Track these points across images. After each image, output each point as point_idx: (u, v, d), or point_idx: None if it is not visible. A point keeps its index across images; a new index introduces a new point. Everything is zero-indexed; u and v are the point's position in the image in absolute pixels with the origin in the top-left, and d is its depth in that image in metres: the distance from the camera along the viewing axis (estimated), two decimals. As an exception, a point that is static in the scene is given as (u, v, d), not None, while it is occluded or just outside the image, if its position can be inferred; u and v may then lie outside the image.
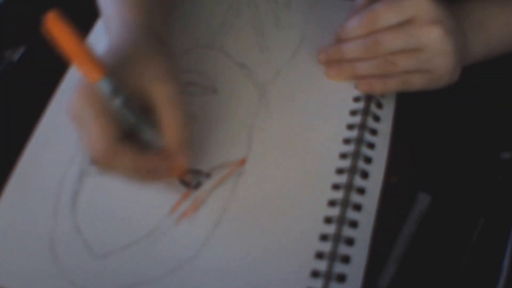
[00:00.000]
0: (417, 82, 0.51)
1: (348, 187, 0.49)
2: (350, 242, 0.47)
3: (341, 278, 0.46)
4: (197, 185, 0.51)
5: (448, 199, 0.51)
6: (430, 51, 0.49)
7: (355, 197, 0.49)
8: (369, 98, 0.54)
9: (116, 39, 0.49)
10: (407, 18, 0.49)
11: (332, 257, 0.47)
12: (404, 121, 0.54)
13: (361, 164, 0.51)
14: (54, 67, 0.56)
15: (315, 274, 0.46)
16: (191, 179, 0.52)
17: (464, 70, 0.52)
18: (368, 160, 0.51)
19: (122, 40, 0.49)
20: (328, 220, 0.48)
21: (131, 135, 0.46)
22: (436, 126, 0.54)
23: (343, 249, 0.47)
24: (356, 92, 0.54)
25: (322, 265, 0.46)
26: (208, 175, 0.52)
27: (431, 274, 0.48)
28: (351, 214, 0.48)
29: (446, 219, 0.50)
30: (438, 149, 0.53)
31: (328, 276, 0.46)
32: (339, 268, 0.46)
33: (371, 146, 0.52)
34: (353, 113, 0.53)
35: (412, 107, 0.54)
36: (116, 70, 0.45)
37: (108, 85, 0.43)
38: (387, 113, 0.54)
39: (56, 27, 0.41)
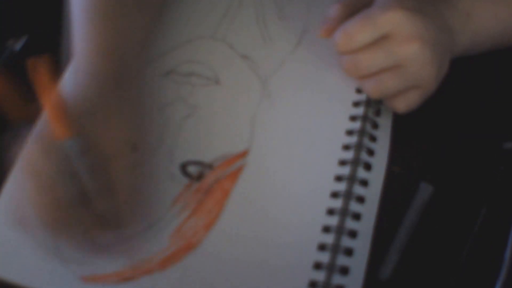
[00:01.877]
0: (415, 99, 0.49)
1: (351, 179, 0.48)
2: (353, 234, 0.46)
3: (344, 270, 0.44)
4: (199, 177, 0.50)
5: (450, 189, 0.50)
6: (411, 67, 0.46)
7: (358, 189, 0.48)
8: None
9: (81, 90, 0.47)
10: (382, 34, 0.46)
11: (335, 249, 0.45)
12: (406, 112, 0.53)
13: (364, 156, 0.49)
14: (56, 56, 0.54)
15: (317, 266, 0.45)
16: (193, 170, 0.50)
17: (467, 61, 0.51)
18: (370, 152, 0.49)
19: (87, 94, 0.46)
20: (330, 212, 0.47)
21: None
22: (438, 117, 0.53)
23: (346, 242, 0.46)
24: (358, 83, 0.53)
25: (324, 257, 0.45)
26: (210, 167, 0.50)
27: (433, 264, 0.47)
28: (354, 206, 0.47)
29: (448, 209, 0.49)
30: (441, 140, 0.52)
31: (330, 268, 0.44)
32: (342, 260, 0.45)
33: (373, 138, 0.50)
34: (356, 104, 0.52)
35: None
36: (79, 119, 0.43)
37: (75, 145, 0.42)
38: (388, 107, 0.52)
39: (40, 74, 0.41)
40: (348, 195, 0.47)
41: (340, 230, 0.46)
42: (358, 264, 0.45)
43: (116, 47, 0.49)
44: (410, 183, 0.50)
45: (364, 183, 0.48)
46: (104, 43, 0.49)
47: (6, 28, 0.61)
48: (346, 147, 0.50)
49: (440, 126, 0.53)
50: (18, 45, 0.60)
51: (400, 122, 0.52)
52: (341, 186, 0.48)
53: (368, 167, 0.49)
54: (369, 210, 0.47)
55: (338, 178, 0.48)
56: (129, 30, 0.51)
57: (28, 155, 0.43)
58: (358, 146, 0.49)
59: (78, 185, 0.43)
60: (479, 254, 0.47)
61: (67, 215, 0.42)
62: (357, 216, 0.47)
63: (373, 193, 0.48)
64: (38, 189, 0.43)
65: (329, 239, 0.46)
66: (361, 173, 0.48)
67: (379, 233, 0.47)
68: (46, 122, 0.43)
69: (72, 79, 0.48)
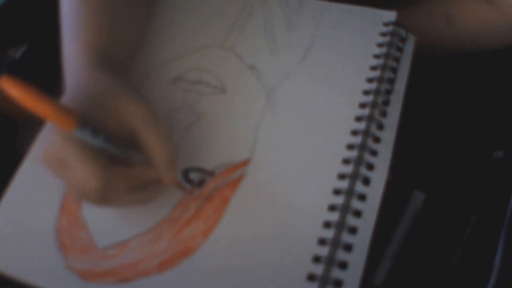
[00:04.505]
0: None
1: (349, 193, 0.47)
2: (348, 248, 0.45)
3: (338, 283, 0.43)
4: (200, 183, 0.49)
5: (442, 197, 0.49)
6: None
7: (356, 203, 0.46)
8: (374, 105, 0.51)
9: (73, 83, 0.47)
10: None
11: (329, 261, 0.44)
12: (399, 122, 0.51)
13: (363, 170, 0.48)
14: (56, 64, 0.54)
15: (311, 278, 0.44)
16: (195, 177, 0.49)
17: (457, 72, 0.50)
18: (370, 166, 0.48)
19: (82, 84, 0.46)
20: (327, 224, 0.46)
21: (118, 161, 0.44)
22: (430, 126, 0.53)
23: (341, 255, 0.44)
24: (362, 99, 0.51)
25: (318, 270, 0.44)
26: (211, 174, 0.49)
27: (425, 269, 0.46)
28: (351, 220, 0.46)
29: (440, 216, 0.49)
30: (433, 148, 0.52)
31: (324, 280, 0.43)
32: (336, 273, 0.43)
33: (374, 153, 0.49)
34: (358, 119, 0.51)
35: (407, 108, 0.52)
36: (86, 114, 0.42)
37: (84, 130, 0.41)
38: (391, 122, 0.51)
39: (14, 89, 0.38)
40: (345, 209, 0.46)
41: (335, 243, 0.45)
42: (352, 276, 0.44)
43: (103, 43, 0.49)
44: (403, 191, 0.49)
45: (362, 197, 0.47)
46: (91, 40, 0.49)
47: (7, 37, 0.61)
48: (346, 161, 0.48)
49: (432, 136, 0.52)
50: (18, 54, 0.60)
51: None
52: (339, 200, 0.47)
53: (366, 181, 0.48)
54: (366, 224, 0.46)
55: (336, 192, 0.47)
56: (118, 26, 0.51)
57: (47, 148, 0.43)
58: (358, 160, 0.48)
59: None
60: (469, 260, 0.47)
61: (105, 181, 0.42)
62: (353, 230, 0.45)
63: (371, 207, 0.46)
64: (66, 173, 0.42)
65: (324, 251, 0.44)
66: (360, 187, 0.47)
67: (373, 239, 0.46)
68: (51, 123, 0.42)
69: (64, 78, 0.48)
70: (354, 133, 0.50)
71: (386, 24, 0.55)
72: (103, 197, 0.43)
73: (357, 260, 0.44)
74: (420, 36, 0.54)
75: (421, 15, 0.56)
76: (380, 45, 0.54)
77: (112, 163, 0.43)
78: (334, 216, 0.46)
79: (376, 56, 0.54)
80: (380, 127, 0.50)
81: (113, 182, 0.43)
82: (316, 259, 0.44)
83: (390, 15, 0.56)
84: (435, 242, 0.47)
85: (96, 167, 0.42)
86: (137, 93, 0.46)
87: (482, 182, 0.50)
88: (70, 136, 0.42)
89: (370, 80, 0.52)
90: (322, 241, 0.45)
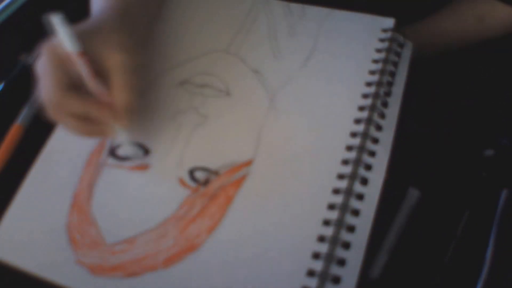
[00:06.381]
0: None
1: (348, 193, 0.47)
2: (346, 245, 0.45)
3: (336, 280, 0.44)
4: (206, 182, 0.50)
5: (436, 194, 0.50)
6: None
7: (354, 203, 0.47)
8: (373, 108, 0.51)
9: (92, 17, 0.53)
10: None
11: (329, 258, 0.45)
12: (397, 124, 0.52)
13: (362, 171, 0.49)
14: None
15: (310, 273, 0.44)
16: (200, 176, 0.50)
17: (450, 74, 0.51)
18: (368, 167, 0.49)
19: (96, 16, 0.53)
20: (326, 222, 0.46)
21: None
22: (424, 126, 0.53)
23: (340, 252, 0.45)
24: (361, 102, 0.52)
25: (318, 266, 0.45)
26: (216, 173, 0.50)
27: (420, 263, 0.47)
28: (349, 219, 0.46)
29: (434, 212, 0.49)
30: (427, 148, 0.53)
31: (323, 276, 0.44)
32: (334, 269, 0.44)
33: (372, 154, 0.50)
34: (357, 121, 0.51)
35: (402, 109, 0.53)
36: (83, 35, 0.48)
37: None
38: (389, 123, 0.51)
39: None
40: (344, 208, 0.47)
41: (334, 241, 0.45)
42: (350, 273, 0.44)
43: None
44: (399, 188, 0.50)
45: (360, 196, 0.47)
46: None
47: (19, 43, 0.62)
48: (345, 162, 0.49)
49: (426, 136, 0.53)
50: (30, 59, 0.61)
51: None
52: (338, 199, 0.47)
53: (365, 181, 0.48)
54: (364, 223, 0.46)
55: (336, 191, 0.48)
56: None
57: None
58: (357, 161, 0.49)
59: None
60: (462, 254, 0.47)
61: (60, 98, 0.47)
62: (351, 228, 0.46)
63: (368, 206, 0.47)
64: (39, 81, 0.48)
65: (323, 248, 0.45)
66: (358, 187, 0.48)
67: (370, 234, 0.46)
68: None
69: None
70: (353, 135, 0.51)
71: (385, 30, 0.56)
72: (57, 110, 0.48)
73: (355, 257, 0.45)
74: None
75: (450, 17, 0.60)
76: (379, 50, 0.55)
77: (74, 90, 0.48)
78: (333, 215, 0.47)
79: (375, 61, 0.54)
80: (379, 128, 0.51)
81: (67, 100, 0.47)
82: (316, 256, 0.45)
83: (389, 22, 0.56)
84: (430, 236, 0.48)
85: (58, 82, 0.47)
86: (131, 45, 0.50)
87: (474, 179, 0.51)
88: (54, 51, 0.47)
89: (369, 84, 0.53)
90: (321, 239, 0.46)
